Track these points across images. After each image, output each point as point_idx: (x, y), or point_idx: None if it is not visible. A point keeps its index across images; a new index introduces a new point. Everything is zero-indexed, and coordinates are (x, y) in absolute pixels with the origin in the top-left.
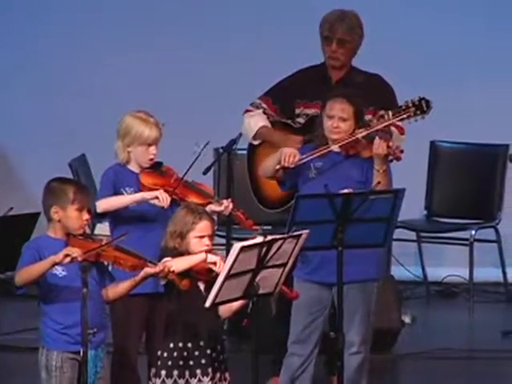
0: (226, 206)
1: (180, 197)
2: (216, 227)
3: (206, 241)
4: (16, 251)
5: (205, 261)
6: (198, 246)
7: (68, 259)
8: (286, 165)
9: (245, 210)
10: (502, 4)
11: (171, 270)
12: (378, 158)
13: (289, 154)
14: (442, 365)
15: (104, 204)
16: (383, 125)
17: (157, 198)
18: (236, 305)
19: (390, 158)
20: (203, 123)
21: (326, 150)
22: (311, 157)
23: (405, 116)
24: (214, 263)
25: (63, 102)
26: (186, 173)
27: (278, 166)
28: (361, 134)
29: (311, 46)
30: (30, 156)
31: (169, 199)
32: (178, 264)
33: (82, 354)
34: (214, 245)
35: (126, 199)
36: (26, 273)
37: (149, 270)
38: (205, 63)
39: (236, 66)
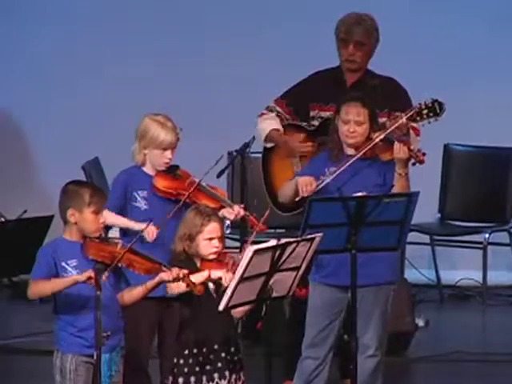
0: (235, 213)
1: (192, 200)
2: (230, 230)
3: (216, 243)
4: (30, 254)
5: (209, 278)
6: (208, 249)
7: (92, 281)
8: (305, 195)
9: (257, 214)
10: None
11: (186, 274)
12: (399, 162)
13: (305, 183)
14: (455, 368)
15: (108, 220)
16: (397, 124)
17: (142, 231)
18: (249, 305)
19: (413, 161)
20: (217, 126)
21: (346, 166)
22: (329, 179)
23: (418, 118)
24: (220, 278)
25: (76, 105)
26: (200, 180)
27: (297, 198)
28: (378, 137)
29: (327, 48)
30: (44, 159)
31: (155, 233)
32: (180, 284)
33: (95, 356)
34: (228, 248)
35: (124, 223)
36: (44, 288)
37: (164, 275)
38: (218, 65)
39: (250, 68)
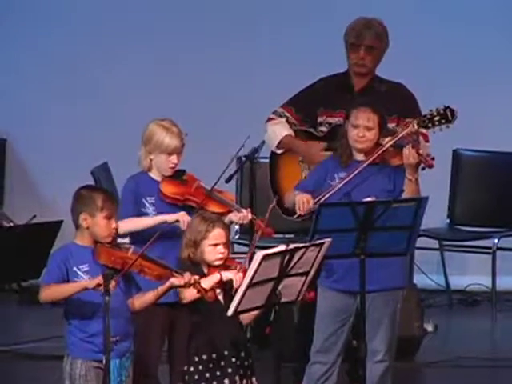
0: (242, 216)
1: (200, 206)
2: (238, 235)
3: (221, 249)
4: (38, 259)
5: (220, 281)
6: (213, 255)
7: (100, 288)
8: (302, 213)
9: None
10: None
11: (197, 280)
12: (409, 167)
13: (301, 202)
14: (464, 373)
15: (126, 226)
16: (407, 130)
17: (177, 221)
18: (257, 310)
19: (422, 165)
20: (225, 131)
21: (356, 173)
22: (326, 196)
23: (430, 125)
24: (231, 280)
25: (85, 109)
26: (213, 186)
27: (295, 216)
28: (389, 143)
29: (334, 54)
30: (53, 164)
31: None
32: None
33: (104, 362)
34: (236, 253)
35: (147, 222)
36: (55, 292)
37: (175, 281)
38: (225, 71)
39: (257, 73)
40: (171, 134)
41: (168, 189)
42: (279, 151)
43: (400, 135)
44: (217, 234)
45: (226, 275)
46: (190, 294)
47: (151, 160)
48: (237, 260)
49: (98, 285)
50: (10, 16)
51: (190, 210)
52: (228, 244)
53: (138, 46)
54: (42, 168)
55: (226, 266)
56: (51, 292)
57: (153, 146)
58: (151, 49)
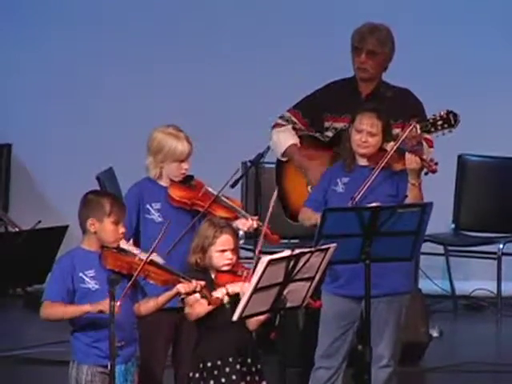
0: (248, 224)
1: (207, 211)
2: (243, 240)
3: (229, 255)
4: (43, 264)
5: (227, 294)
6: (220, 260)
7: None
8: None
9: (272, 224)
10: None
11: (203, 286)
12: (412, 172)
13: None
14: (469, 378)
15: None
16: (407, 132)
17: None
18: (263, 316)
19: (426, 171)
20: (229, 136)
21: (370, 182)
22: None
23: (432, 129)
24: (237, 294)
25: (90, 114)
26: (218, 193)
27: None
28: (393, 148)
29: (338, 60)
30: (58, 169)
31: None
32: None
33: (109, 367)
34: (241, 258)
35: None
36: (57, 313)
37: (181, 287)
38: (230, 76)
39: (262, 78)
40: (182, 140)
41: (176, 192)
42: (284, 159)
43: (402, 138)
44: (224, 240)
45: (234, 289)
46: (202, 308)
47: (162, 168)
48: (243, 266)
49: (101, 311)
50: (10, 16)
51: (195, 216)
52: (236, 250)
53: (142, 51)
54: (47, 173)
55: (233, 271)
56: (53, 312)
57: (164, 155)
58: (155, 53)
